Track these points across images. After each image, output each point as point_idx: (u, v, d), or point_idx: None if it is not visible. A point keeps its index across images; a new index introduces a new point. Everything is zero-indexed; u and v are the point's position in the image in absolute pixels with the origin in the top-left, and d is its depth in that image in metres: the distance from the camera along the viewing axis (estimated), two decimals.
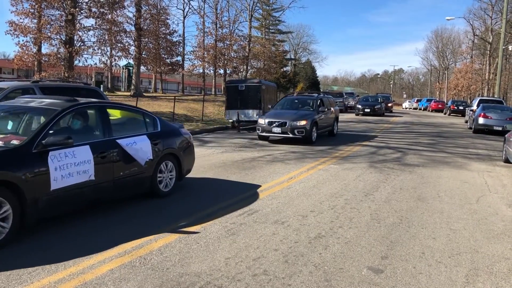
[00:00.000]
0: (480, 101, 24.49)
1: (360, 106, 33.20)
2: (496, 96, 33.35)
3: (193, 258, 4.33)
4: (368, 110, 32.40)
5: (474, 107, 23.50)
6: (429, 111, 51.01)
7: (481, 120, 20.10)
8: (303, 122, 13.67)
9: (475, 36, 62.57)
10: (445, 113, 43.66)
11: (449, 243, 4.96)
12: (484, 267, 4.31)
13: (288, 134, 13.66)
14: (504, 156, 11.47)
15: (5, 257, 4.23)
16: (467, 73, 61.90)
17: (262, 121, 14.23)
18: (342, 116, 26.61)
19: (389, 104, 41.53)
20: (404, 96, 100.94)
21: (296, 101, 16.15)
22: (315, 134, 14.21)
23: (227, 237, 4.96)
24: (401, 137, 17.70)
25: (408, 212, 6.23)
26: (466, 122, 26.47)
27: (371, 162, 10.76)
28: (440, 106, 49.86)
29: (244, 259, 4.32)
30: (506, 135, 11.54)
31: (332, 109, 16.61)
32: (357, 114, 32.71)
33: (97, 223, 5.38)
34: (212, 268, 4.08)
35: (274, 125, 13.85)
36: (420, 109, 57.30)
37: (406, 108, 64.91)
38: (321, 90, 62.21)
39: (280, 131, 13.75)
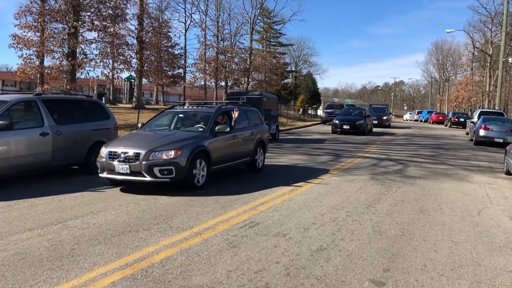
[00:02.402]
0: (481, 113, 24.55)
1: (337, 122, 25.61)
2: (496, 108, 33.43)
3: (194, 270, 4.32)
4: (348, 126, 24.90)
5: (475, 119, 23.55)
6: (430, 123, 51.13)
7: (482, 132, 20.13)
8: (170, 153, 7.77)
9: (475, 49, 62.86)
10: (446, 125, 43.74)
11: (451, 256, 4.95)
12: (486, 280, 4.29)
13: (143, 177, 7.67)
14: (505, 168, 11.47)
15: None
16: (467, 85, 62.06)
17: (103, 153, 8.16)
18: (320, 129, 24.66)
19: (384, 118, 35.03)
20: (405, 108, 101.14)
21: (182, 116, 9.97)
22: (204, 172, 8.38)
23: (229, 249, 4.96)
24: (402, 149, 17.72)
25: (410, 225, 6.22)
26: (467, 134, 26.51)
27: (373, 174, 10.76)
28: (441, 118, 50.01)
29: (246, 272, 4.31)
30: (507, 147, 11.55)
31: (254, 130, 10.78)
32: (334, 131, 25.49)
33: (97, 234, 5.38)
34: (213, 281, 4.07)
35: (118, 159, 7.83)
36: (421, 121, 57.44)
37: (407, 120, 65.09)
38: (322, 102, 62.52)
39: (127, 171, 7.74)
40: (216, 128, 9.01)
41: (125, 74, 40.16)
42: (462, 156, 15.77)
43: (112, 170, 7.91)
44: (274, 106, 22.34)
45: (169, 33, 39.03)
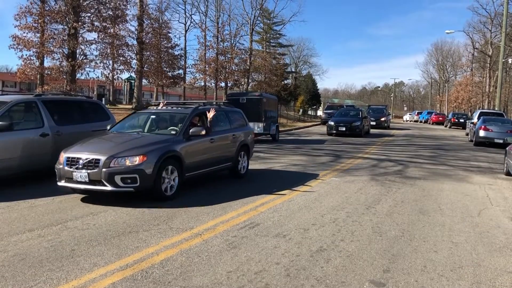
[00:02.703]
0: (481, 114, 24.56)
1: (332, 123, 24.44)
2: (496, 108, 33.44)
3: (194, 271, 4.32)
4: (343, 128, 23.74)
5: (475, 120, 23.56)
6: (430, 123, 51.14)
7: (482, 133, 20.13)
8: (135, 159, 6.92)
9: (475, 49, 62.96)
10: (445, 126, 43.75)
11: (451, 257, 4.95)
12: (486, 281, 4.29)
13: (104, 186, 6.85)
14: (505, 169, 11.47)
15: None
16: (467, 86, 62.15)
17: (61, 159, 7.31)
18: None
19: (382, 119, 33.92)
20: (405, 108, 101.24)
21: (154, 118, 9.12)
22: (175, 182, 7.55)
23: (229, 250, 4.96)
24: (402, 150, 17.73)
25: (410, 225, 6.22)
26: (467, 134, 26.51)
27: (373, 175, 10.76)
28: (440, 118, 50.02)
29: (246, 273, 4.31)
30: (507, 148, 11.55)
31: (237, 133, 9.90)
32: (329, 133, 24.43)
33: (97, 235, 5.38)
34: (213, 282, 4.07)
35: (76, 166, 6.99)
36: (421, 121, 57.46)
37: (406, 121, 65.08)
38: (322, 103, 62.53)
39: (86, 179, 6.90)
40: (190, 130, 8.07)
41: (125, 75, 40.19)
42: (462, 157, 15.77)
43: (70, 178, 7.04)
44: (274, 107, 22.34)
45: (169, 34, 39.04)
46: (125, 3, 24.88)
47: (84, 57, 23.01)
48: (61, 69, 22.33)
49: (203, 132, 8.26)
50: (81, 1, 21.85)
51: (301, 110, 51.41)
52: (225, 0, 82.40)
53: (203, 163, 8.51)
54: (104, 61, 24.06)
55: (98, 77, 26.33)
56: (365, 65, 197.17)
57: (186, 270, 4.34)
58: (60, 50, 22.10)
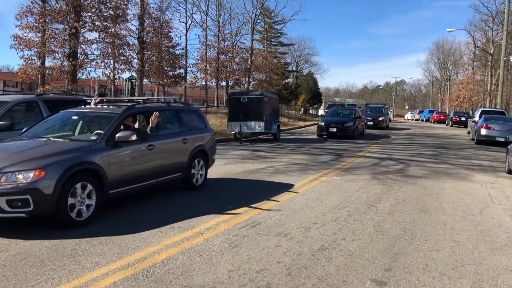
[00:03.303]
0: (482, 112, 24.49)
1: (322, 124, 22.34)
2: (498, 107, 33.37)
3: (196, 270, 4.32)
4: (335, 129, 21.57)
5: (476, 118, 23.50)
6: (431, 122, 51.10)
7: (483, 131, 20.10)
8: (29, 175, 5.32)
9: (476, 48, 62.88)
10: (447, 124, 43.73)
11: (452, 255, 4.94)
12: (488, 279, 4.28)
13: None
14: (507, 167, 11.45)
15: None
16: (468, 84, 62.05)
17: None
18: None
19: (380, 118, 31.60)
20: (406, 107, 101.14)
21: (76, 119, 7.36)
22: (90, 200, 5.90)
23: (230, 249, 4.96)
24: (404, 149, 17.71)
25: (411, 224, 6.22)
26: (469, 133, 26.46)
27: (374, 173, 10.75)
28: (442, 117, 49.99)
29: (247, 272, 4.31)
30: (508, 146, 11.54)
31: (190, 137, 8.17)
32: (319, 135, 22.39)
33: (98, 233, 5.38)
34: (215, 281, 4.07)
35: None
36: (422, 120, 57.43)
37: (408, 120, 65.02)
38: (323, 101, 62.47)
39: None
40: (117, 135, 6.33)
41: (126, 75, 40.08)
42: (464, 155, 15.75)
43: None
44: (275, 106, 22.33)
45: (170, 33, 38.94)
46: (126, 2, 24.91)
47: (85, 57, 23.03)
48: (62, 68, 22.35)
49: (133, 138, 6.41)
50: (82, 1, 21.86)
51: (302, 109, 51.42)
52: None
53: (137, 176, 6.77)
54: (105, 61, 24.11)
55: (99, 76, 26.38)
56: (366, 63, 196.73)
57: (188, 269, 4.34)
58: (61, 50, 22.13)
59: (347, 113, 24.08)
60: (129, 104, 7.49)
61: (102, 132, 6.51)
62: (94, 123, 7.21)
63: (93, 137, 6.45)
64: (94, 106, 7.74)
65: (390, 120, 40.40)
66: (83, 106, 8.04)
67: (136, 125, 7.49)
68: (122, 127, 6.86)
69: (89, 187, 5.87)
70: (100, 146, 6.20)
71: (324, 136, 22.06)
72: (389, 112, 44.37)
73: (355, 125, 21.99)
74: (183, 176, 7.99)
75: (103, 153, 6.16)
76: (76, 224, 5.68)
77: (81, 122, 7.23)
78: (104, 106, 7.60)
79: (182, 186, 8.27)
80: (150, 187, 7.26)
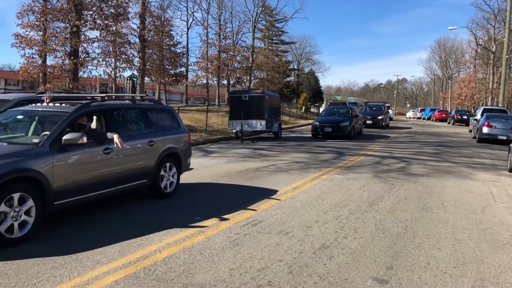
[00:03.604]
0: (484, 111, 24.46)
1: (317, 123, 21.14)
2: (500, 105, 33.31)
3: (197, 269, 4.32)
4: (330, 129, 20.41)
5: (478, 117, 23.47)
6: (433, 120, 51.08)
7: (485, 130, 20.07)
8: None
9: (478, 46, 62.66)
10: (449, 123, 43.68)
11: (454, 253, 4.93)
12: (490, 278, 4.27)
13: None
14: (509, 165, 11.43)
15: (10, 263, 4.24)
16: (470, 82, 61.89)
17: None
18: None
19: (380, 117, 30.47)
20: (408, 105, 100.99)
21: (21, 118, 6.68)
22: (27, 215, 4.99)
23: (231, 247, 4.95)
24: (405, 147, 17.68)
25: (413, 222, 6.21)
26: (470, 131, 26.42)
27: (375, 172, 10.74)
28: (443, 115, 49.95)
29: (249, 270, 4.31)
30: (510, 145, 11.54)
31: (158, 139, 7.24)
32: (315, 135, 21.06)
33: (99, 232, 5.38)
34: (216, 279, 4.07)
35: None
36: (424, 118, 57.40)
37: (409, 118, 64.94)
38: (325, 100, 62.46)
39: None
40: (63, 138, 5.45)
41: (127, 73, 40.33)
42: (465, 153, 15.72)
43: None
44: (277, 104, 22.31)
45: (171, 32, 38.92)
46: (127, 1, 24.87)
47: (86, 55, 23.04)
48: (63, 67, 22.38)
49: (83, 140, 5.54)
50: None
51: (303, 108, 51.39)
52: None
53: (91, 184, 5.90)
54: (106, 59, 24.11)
55: (100, 75, 26.43)
56: (367, 62, 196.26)
57: (189, 268, 4.34)
58: (63, 48, 22.14)
59: (343, 112, 22.94)
60: (84, 101, 6.44)
61: (46, 133, 5.66)
62: (47, 123, 6.16)
63: (36, 140, 5.53)
64: (46, 104, 6.64)
65: (391, 119, 40.03)
66: (33, 105, 7.07)
67: (94, 125, 6.67)
68: (76, 127, 6.10)
69: (27, 199, 4.99)
70: (43, 150, 5.29)
71: (319, 136, 20.88)
72: (389, 110, 42.87)
73: (351, 125, 20.91)
74: (150, 182, 7.09)
75: (46, 158, 5.25)
76: (9, 242, 4.79)
77: (34, 123, 6.34)
78: (57, 104, 6.55)
79: (149, 194, 7.37)
80: (110, 195, 6.39)
